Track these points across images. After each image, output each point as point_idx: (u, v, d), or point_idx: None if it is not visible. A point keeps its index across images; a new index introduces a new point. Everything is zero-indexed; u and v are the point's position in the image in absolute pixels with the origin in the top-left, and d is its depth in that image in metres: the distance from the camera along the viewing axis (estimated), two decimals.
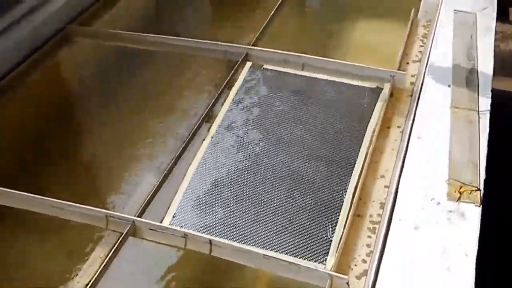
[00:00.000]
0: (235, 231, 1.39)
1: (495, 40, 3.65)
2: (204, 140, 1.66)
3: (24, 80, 1.98)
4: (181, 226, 1.40)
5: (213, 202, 1.47)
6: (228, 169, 1.56)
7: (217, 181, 1.53)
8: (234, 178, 1.54)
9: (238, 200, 1.47)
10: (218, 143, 1.65)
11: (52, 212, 1.43)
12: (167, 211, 1.45)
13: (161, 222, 1.41)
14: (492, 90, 1.69)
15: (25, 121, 1.85)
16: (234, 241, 1.36)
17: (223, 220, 1.42)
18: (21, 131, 1.82)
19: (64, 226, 1.44)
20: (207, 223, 1.42)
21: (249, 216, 1.43)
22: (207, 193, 1.50)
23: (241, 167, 1.57)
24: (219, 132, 1.69)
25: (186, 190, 1.50)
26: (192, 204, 1.47)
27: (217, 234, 1.39)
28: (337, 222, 1.41)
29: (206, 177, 1.54)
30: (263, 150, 1.63)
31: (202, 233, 1.38)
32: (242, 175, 1.55)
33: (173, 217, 1.43)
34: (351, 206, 1.42)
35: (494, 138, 1.54)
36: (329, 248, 1.34)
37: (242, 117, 1.75)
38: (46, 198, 1.44)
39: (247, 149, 1.63)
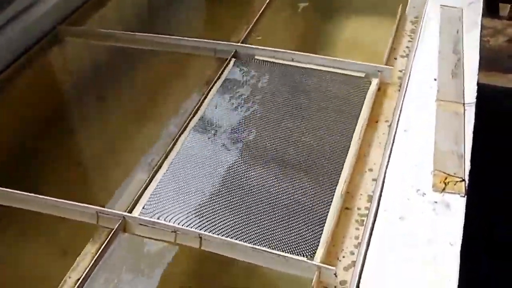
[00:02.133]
0: (219, 225, 1.41)
1: (485, 35, 3.70)
2: (188, 133, 1.68)
3: (15, 80, 1.99)
4: (151, 216, 1.42)
5: (190, 193, 1.49)
6: (212, 162, 1.58)
7: (197, 173, 1.54)
8: (219, 171, 1.55)
9: (222, 194, 1.49)
10: (200, 135, 1.67)
11: (43, 209, 1.45)
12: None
13: (130, 213, 1.43)
14: (483, 85, 1.71)
15: (16, 120, 1.87)
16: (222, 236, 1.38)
17: (189, 210, 1.44)
18: (12, 130, 1.83)
19: (55, 223, 1.45)
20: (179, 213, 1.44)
21: (235, 210, 1.44)
22: (183, 185, 1.51)
23: (226, 160, 1.59)
24: (201, 125, 1.71)
25: (160, 182, 1.52)
26: (165, 195, 1.49)
27: (185, 223, 1.41)
28: (326, 216, 1.42)
29: (186, 169, 1.56)
30: (249, 143, 1.64)
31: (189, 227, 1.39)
32: (228, 168, 1.56)
33: (143, 208, 1.45)
34: (339, 199, 1.44)
35: (483, 130, 1.56)
36: (318, 242, 1.36)
37: (229, 110, 1.77)
38: (37, 195, 1.45)
39: (232, 143, 1.65)
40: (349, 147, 1.61)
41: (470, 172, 1.38)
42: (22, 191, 1.46)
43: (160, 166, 1.57)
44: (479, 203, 1.45)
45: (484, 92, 1.68)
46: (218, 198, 1.48)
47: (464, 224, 1.26)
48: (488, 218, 2.40)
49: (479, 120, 1.54)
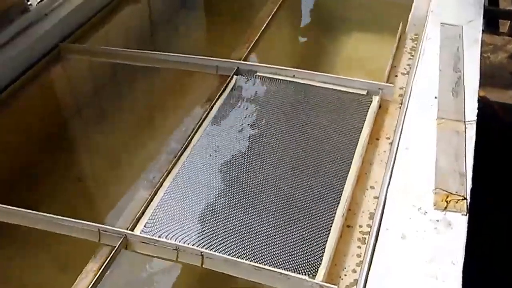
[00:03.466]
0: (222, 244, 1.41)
1: (486, 51, 3.71)
2: (190, 150, 1.68)
3: (17, 97, 2.00)
4: (153, 234, 1.41)
5: (192, 211, 1.49)
6: (214, 179, 1.58)
7: (199, 191, 1.55)
8: (220, 188, 1.55)
9: (224, 211, 1.49)
10: (202, 152, 1.67)
11: (45, 226, 1.45)
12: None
13: (132, 230, 1.42)
14: (483, 100, 1.71)
15: (18, 137, 1.87)
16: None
17: (191, 227, 1.44)
18: (14, 147, 1.83)
19: (57, 240, 1.46)
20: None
21: (237, 228, 1.44)
22: (184, 202, 1.51)
23: (228, 178, 1.59)
24: (203, 142, 1.71)
25: (162, 199, 1.52)
26: (167, 212, 1.49)
27: (186, 241, 1.40)
28: (328, 234, 1.42)
29: (188, 186, 1.56)
30: (251, 161, 1.65)
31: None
32: (230, 185, 1.56)
33: (145, 226, 1.45)
34: (341, 217, 1.44)
35: (485, 146, 1.56)
36: (320, 260, 1.35)
37: (230, 127, 1.77)
38: (39, 212, 1.45)
39: (234, 160, 1.65)
40: (350, 165, 1.61)
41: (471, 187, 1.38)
42: (24, 208, 1.47)
43: (162, 184, 1.57)
44: (482, 217, 1.44)
45: (484, 108, 1.69)
46: (220, 216, 1.48)
47: (467, 237, 1.26)
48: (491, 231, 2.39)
49: (479, 135, 1.54)
